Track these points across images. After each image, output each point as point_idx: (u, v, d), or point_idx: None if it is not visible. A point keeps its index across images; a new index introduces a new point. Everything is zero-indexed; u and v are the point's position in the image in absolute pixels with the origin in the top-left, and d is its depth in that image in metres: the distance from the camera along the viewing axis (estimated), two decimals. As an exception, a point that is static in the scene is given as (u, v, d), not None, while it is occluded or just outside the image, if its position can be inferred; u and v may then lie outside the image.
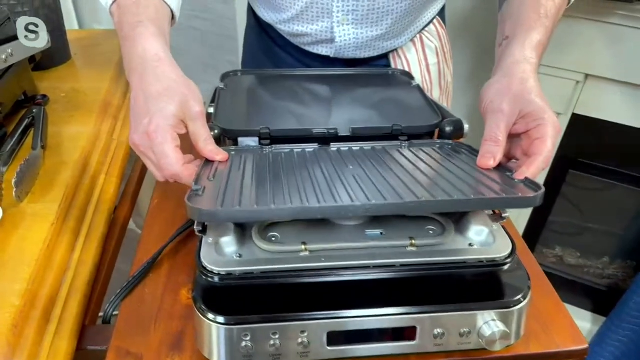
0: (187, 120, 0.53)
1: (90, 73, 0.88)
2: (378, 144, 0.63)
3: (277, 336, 0.43)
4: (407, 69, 0.87)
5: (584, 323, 1.58)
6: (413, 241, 0.49)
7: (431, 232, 0.52)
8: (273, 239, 0.50)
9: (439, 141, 0.65)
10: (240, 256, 0.47)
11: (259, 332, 0.42)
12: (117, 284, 0.64)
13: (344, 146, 0.62)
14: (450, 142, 0.64)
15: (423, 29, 0.86)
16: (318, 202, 0.44)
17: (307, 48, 0.85)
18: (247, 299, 0.44)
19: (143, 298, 0.53)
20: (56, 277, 0.51)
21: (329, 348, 0.44)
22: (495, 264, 0.48)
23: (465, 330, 0.45)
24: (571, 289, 1.58)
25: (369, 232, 0.51)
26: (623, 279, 1.54)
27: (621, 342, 1.41)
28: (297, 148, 0.62)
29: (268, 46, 0.91)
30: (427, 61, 0.87)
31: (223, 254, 0.48)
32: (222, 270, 0.45)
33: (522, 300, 0.45)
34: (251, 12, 0.94)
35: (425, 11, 0.84)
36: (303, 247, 0.48)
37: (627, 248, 1.51)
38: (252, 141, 0.64)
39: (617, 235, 1.51)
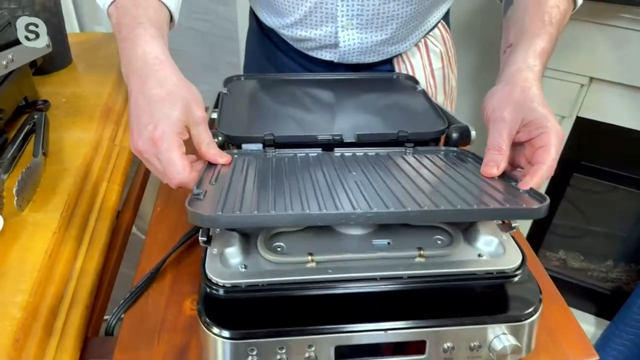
0: (190, 125, 0.53)
1: (91, 77, 0.87)
2: (382, 150, 0.62)
3: (283, 351, 0.42)
4: (411, 74, 0.86)
5: (588, 327, 1.57)
6: (421, 252, 0.48)
7: (439, 242, 0.51)
8: (278, 249, 0.49)
9: (443, 148, 0.64)
10: (246, 267, 0.47)
11: (265, 347, 0.42)
12: (120, 287, 0.64)
13: (347, 151, 0.62)
14: (455, 149, 0.63)
15: (427, 33, 0.85)
16: (319, 208, 0.43)
17: (310, 53, 0.85)
18: (252, 312, 0.43)
19: (146, 309, 0.52)
20: (58, 288, 0.50)
21: (336, 362, 0.43)
22: (506, 276, 0.47)
23: (475, 344, 0.44)
24: (575, 292, 1.58)
25: (376, 242, 0.50)
26: (627, 283, 1.53)
27: (625, 346, 1.40)
28: (301, 152, 0.61)
29: (270, 51, 0.90)
30: (431, 66, 0.87)
31: (228, 265, 0.47)
32: (227, 282, 0.45)
33: (533, 313, 0.44)
34: (253, 16, 0.93)
35: (430, 15, 0.83)
36: (309, 258, 0.47)
37: (631, 251, 1.50)
38: (256, 147, 0.63)
39: (620, 239, 1.50)
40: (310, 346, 0.42)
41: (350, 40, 0.79)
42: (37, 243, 0.51)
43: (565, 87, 1.25)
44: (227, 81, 0.79)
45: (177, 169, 0.49)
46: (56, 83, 0.84)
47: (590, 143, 1.32)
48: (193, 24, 1.85)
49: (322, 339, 0.42)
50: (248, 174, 0.53)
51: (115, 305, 0.52)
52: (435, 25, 0.86)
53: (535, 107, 0.52)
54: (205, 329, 0.42)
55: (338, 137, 0.63)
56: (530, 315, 0.44)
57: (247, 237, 0.50)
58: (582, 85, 1.23)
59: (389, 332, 0.42)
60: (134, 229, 0.76)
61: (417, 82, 0.80)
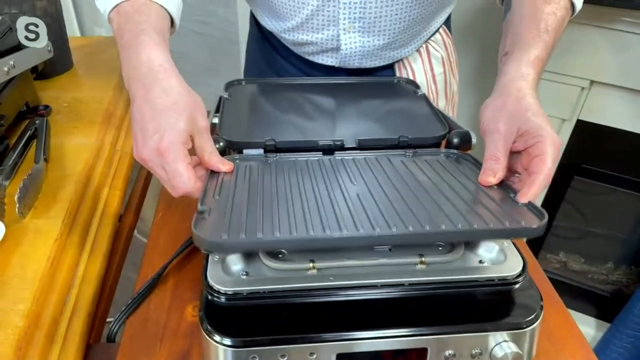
0: (194, 134, 0.53)
1: (92, 82, 0.87)
2: (382, 154, 0.62)
3: (285, 358, 0.42)
4: (412, 79, 0.86)
5: (588, 329, 1.57)
6: (423, 258, 0.48)
7: (440, 248, 0.51)
8: (280, 255, 0.49)
9: (443, 150, 0.64)
10: (247, 274, 0.47)
11: (267, 355, 0.42)
12: (121, 290, 0.64)
13: (348, 156, 0.62)
14: (455, 151, 0.63)
15: (429, 38, 0.85)
16: (323, 229, 0.44)
17: (311, 58, 0.85)
18: (254, 320, 0.43)
19: (148, 315, 0.52)
20: (60, 295, 0.50)
21: (338, 370, 0.43)
22: (507, 283, 0.47)
23: (476, 351, 0.44)
24: (575, 294, 1.58)
25: (378, 248, 0.50)
26: (627, 285, 1.53)
27: (625, 349, 1.40)
28: (302, 157, 0.61)
29: (271, 56, 0.90)
30: (433, 71, 0.87)
31: (230, 272, 0.47)
32: (229, 289, 0.45)
33: (535, 320, 0.44)
34: (254, 20, 0.93)
35: (432, 20, 0.83)
36: (311, 265, 0.47)
37: (632, 254, 1.50)
38: (258, 152, 0.63)
39: (621, 241, 1.50)
40: (312, 354, 0.42)
41: (352, 44, 0.79)
42: (38, 250, 0.51)
43: (566, 90, 1.25)
44: (228, 85, 0.79)
45: (183, 179, 0.50)
46: (57, 88, 0.84)
47: (591, 146, 1.32)
48: (194, 26, 1.86)
49: (324, 346, 0.42)
50: (251, 185, 0.53)
51: (117, 309, 0.52)
52: (437, 30, 0.86)
53: (529, 117, 0.52)
54: (207, 337, 0.42)
55: (339, 142, 0.64)
56: (532, 322, 0.44)
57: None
58: (583, 88, 1.24)
59: (391, 339, 0.43)
60: (135, 232, 0.76)
61: (417, 87, 0.80)
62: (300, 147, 0.63)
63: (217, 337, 0.41)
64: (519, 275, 0.47)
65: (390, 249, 0.50)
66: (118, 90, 0.85)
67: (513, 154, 0.55)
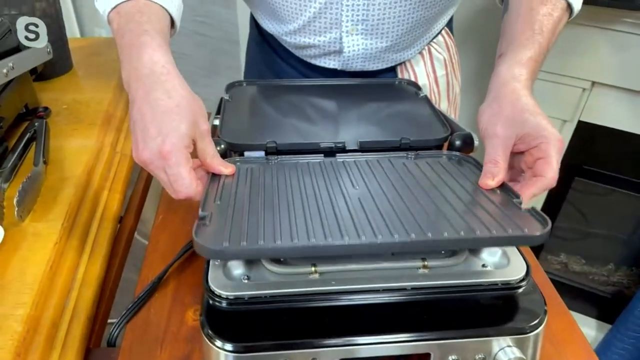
0: (196, 138, 0.52)
1: (92, 83, 0.87)
2: (384, 155, 0.62)
3: (287, 364, 0.41)
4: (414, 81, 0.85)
5: (589, 330, 1.57)
6: (425, 263, 0.47)
7: (443, 252, 0.50)
8: (282, 259, 0.49)
9: (445, 153, 0.64)
10: (249, 278, 0.46)
11: (268, 360, 0.41)
12: (121, 292, 0.63)
13: (350, 158, 0.62)
14: (457, 154, 0.63)
15: (432, 40, 0.85)
16: (324, 236, 0.43)
17: (312, 61, 0.84)
18: (255, 324, 0.43)
19: (148, 319, 0.52)
20: (59, 300, 0.49)
21: (340, 375, 0.43)
22: (510, 287, 0.46)
23: (480, 356, 0.43)
24: (576, 296, 1.58)
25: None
26: (628, 286, 1.53)
27: (626, 350, 1.40)
28: (303, 159, 0.61)
29: (271, 58, 0.90)
30: (435, 73, 0.86)
31: (231, 276, 0.47)
32: (231, 294, 0.44)
33: (538, 325, 0.44)
34: (254, 23, 0.92)
35: (435, 22, 0.82)
36: (313, 269, 0.46)
37: (633, 255, 1.50)
38: (259, 155, 0.63)
39: (622, 242, 1.50)
40: (314, 359, 0.42)
41: (355, 46, 0.79)
42: (37, 254, 0.51)
43: (567, 91, 1.25)
44: (229, 87, 0.79)
45: (185, 183, 0.49)
46: (57, 89, 0.84)
47: (592, 147, 1.32)
48: (194, 27, 1.85)
49: (326, 351, 0.42)
50: (252, 189, 0.53)
51: (117, 311, 0.52)
52: (439, 32, 0.86)
53: (527, 118, 0.52)
54: (207, 342, 0.42)
55: (341, 145, 0.63)
56: (536, 327, 0.44)
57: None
58: (584, 89, 1.23)
59: (393, 344, 0.42)
60: (135, 234, 0.76)
61: (419, 88, 0.80)
62: (301, 149, 0.63)
63: (218, 342, 0.41)
64: (522, 280, 0.47)
65: (392, 253, 0.49)
66: (118, 92, 0.84)
67: (516, 154, 0.55)
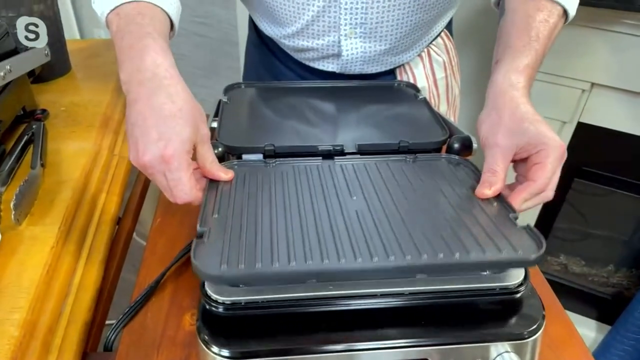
0: (197, 143, 0.52)
1: (90, 85, 0.87)
2: (383, 159, 0.62)
3: (284, 370, 0.41)
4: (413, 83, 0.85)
5: (589, 331, 1.57)
6: (423, 267, 0.47)
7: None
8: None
9: (444, 156, 0.64)
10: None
11: (265, 366, 0.41)
12: (119, 293, 0.63)
13: (348, 162, 0.62)
14: (455, 157, 0.63)
15: (431, 42, 0.85)
16: (321, 258, 0.43)
17: (311, 64, 0.84)
18: (252, 330, 0.43)
19: (145, 323, 0.51)
20: (56, 304, 0.49)
21: (337, 381, 0.42)
22: (509, 292, 0.46)
23: (478, 362, 0.43)
24: (576, 297, 1.57)
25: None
26: (628, 288, 1.53)
27: (626, 352, 1.40)
28: (301, 164, 0.61)
29: (269, 61, 0.89)
30: (434, 76, 0.86)
31: (228, 281, 0.46)
32: (227, 299, 0.44)
33: (537, 330, 0.44)
34: (252, 25, 0.92)
35: (434, 25, 0.82)
36: (310, 273, 0.46)
37: (632, 256, 1.50)
38: (257, 157, 0.63)
39: (621, 244, 1.50)
40: (310, 365, 0.42)
41: (354, 49, 0.78)
42: (34, 258, 0.51)
43: (566, 93, 1.25)
44: (228, 89, 0.79)
45: (185, 189, 0.49)
46: (55, 91, 0.83)
47: (592, 148, 1.32)
48: (194, 27, 1.85)
49: (324, 357, 0.42)
50: (249, 200, 0.53)
51: (115, 312, 0.52)
52: (439, 35, 0.85)
53: (527, 127, 0.52)
54: (204, 347, 0.42)
55: (339, 148, 0.63)
56: (534, 332, 0.44)
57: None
58: (584, 90, 1.23)
59: (391, 350, 0.42)
60: (134, 235, 0.75)
61: (418, 90, 0.80)
62: (299, 152, 0.63)
63: (214, 348, 0.41)
64: (520, 284, 0.47)
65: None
66: (116, 94, 0.84)
67: (519, 162, 0.55)
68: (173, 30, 0.63)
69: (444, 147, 0.66)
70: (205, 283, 0.45)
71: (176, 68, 0.54)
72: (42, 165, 0.63)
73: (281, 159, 0.62)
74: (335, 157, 0.63)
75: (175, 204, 0.52)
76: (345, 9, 0.73)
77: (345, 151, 0.63)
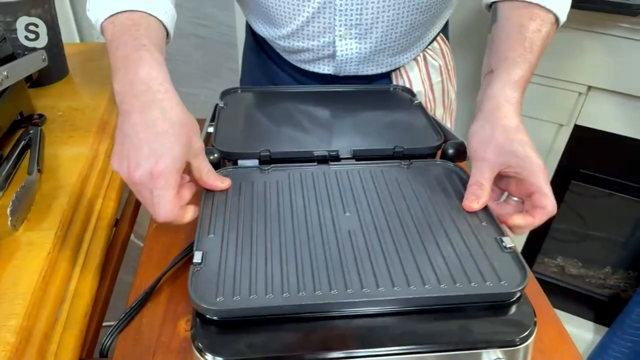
0: (190, 158, 0.53)
1: (88, 89, 0.87)
2: (378, 165, 0.63)
3: (279, 379, 0.42)
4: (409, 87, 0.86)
5: (586, 333, 1.57)
6: (415, 274, 0.48)
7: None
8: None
9: (438, 162, 0.64)
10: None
11: (260, 376, 0.41)
12: (116, 293, 0.64)
13: (342, 168, 0.62)
14: (449, 165, 0.64)
15: (427, 46, 0.85)
16: (314, 289, 0.45)
17: (306, 67, 0.84)
18: (247, 338, 0.43)
19: (140, 329, 0.52)
20: (52, 310, 0.50)
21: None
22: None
23: (469, 368, 0.44)
24: (573, 299, 1.58)
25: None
26: (625, 290, 1.53)
27: (623, 353, 1.40)
28: (296, 171, 0.62)
29: (266, 65, 0.90)
30: (430, 80, 0.86)
31: (222, 288, 0.47)
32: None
33: (528, 336, 0.44)
34: (249, 29, 0.92)
35: (430, 27, 0.82)
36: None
37: (629, 258, 1.50)
38: (252, 163, 0.63)
39: (619, 246, 1.50)
40: (305, 373, 0.42)
41: (348, 50, 0.78)
42: (31, 264, 0.51)
43: (563, 96, 1.25)
44: (224, 94, 0.79)
45: (167, 208, 0.49)
46: (52, 96, 0.84)
47: (589, 151, 1.32)
48: (192, 29, 1.85)
49: (317, 365, 0.42)
50: (245, 215, 0.54)
51: (112, 314, 0.52)
52: (434, 39, 0.86)
53: (516, 149, 0.54)
54: (198, 355, 0.42)
55: (334, 153, 0.64)
56: (526, 339, 0.44)
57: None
58: (580, 93, 1.24)
59: (383, 357, 0.42)
60: (132, 237, 0.76)
61: (414, 95, 0.80)
62: (295, 158, 0.63)
63: (208, 357, 0.41)
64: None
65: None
66: (113, 99, 0.84)
67: (502, 177, 0.57)
68: (168, 38, 0.63)
69: (439, 152, 0.66)
70: (200, 290, 0.46)
71: (171, 82, 0.54)
72: (39, 170, 0.63)
73: (276, 165, 0.62)
74: (331, 163, 0.63)
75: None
76: (340, 10, 0.73)
77: (341, 157, 0.64)
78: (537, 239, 1.51)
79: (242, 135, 0.69)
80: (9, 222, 0.53)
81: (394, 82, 0.86)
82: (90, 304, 0.55)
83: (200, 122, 0.65)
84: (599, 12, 1.08)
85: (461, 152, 0.64)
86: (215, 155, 0.62)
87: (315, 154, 0.64)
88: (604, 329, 1.50)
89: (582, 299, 1.58)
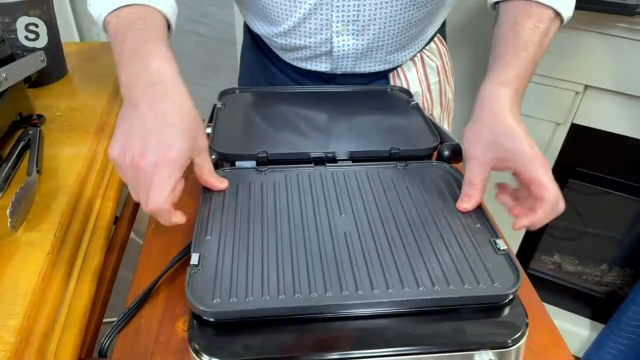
0: (194, 154, 0.53)
1: (86, 89, 0.87)
2: (374, 167, 0.63)
3: (276, 381, 0.42)
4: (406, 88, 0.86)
5: (582, 330, 1.58)
6: (410, 276, 0.48)
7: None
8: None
9: (434, 164, 0.65)
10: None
11: (257, 377, 0.42)
12: (115, 291, 0.64)
13: (339, 169, 0.63)
14: (445, 165, 0.64)
15: (424, 47, 0.85)
16: (309, 291, 0.45)
17: (303, 65, 0.84)
18: (244, 340, 0.44)
19: (139, 330, 0.52)
20: (51, 311, 0.50)
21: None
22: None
23: (462, 370, 0.44)
24: (569, 296, 1.59)
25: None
26: (621, 287, 1.54)
27: (619, 350, 1.41)
28: (292, 172, 0.62)
29: (264, 64, 0.90)
30: (427, 80, 0.87)
31: (219, 290, 0.47)
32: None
33: (520, 338, 0.45)
34: (247, 30, 0.92)
35: (428, 24, 0.82)
36: (300, 282, 0.47)
37: (625, 256, 1.51)
38: (250, 165, 0.64)
39: (615, 243, 1.51)
40: (301, 374, 0.43)
41: (345, 46, 0.78)
42: (30, 264, 0.52)
43: (560, 94, 1.25)
44: (222, 94, 0.80)
45: (162, 197, 0.48)
46: (51, 96, 0.84)
47: (585, 149, 1.33)
48: (192, 27, 1.86)
49: (312, 367, 0.43)
50: (241, 216, 0.55)
51: (111, 312, 0.52)
52: (432, 39, 0.86)
53: (503, 142, 0.54)
54: (195, 356, 0.43)
55: (331, 155, 0.64)
56: (517, 340, 0.45)
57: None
58: (577, 92, 1.24)
59: (378, 358, 0.43)
60: (132, 234, 0.76)
61: (411, 96, 0.80)
62: (292, 160, 0.64)
63: (205, 358, 0.42)
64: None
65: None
66: (112, 98, 0.85)
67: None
68: (170, 32, 0.64)
69: (435, 154, 0.67)
70: (197, 292, 0.46)
71: (180, 77, 0.54)
72: (38, 171, 0.64)
73: (273, 166, 0.63)
74: (327, 164, 0.64)
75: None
76: (337, 6, 0.73)
77: (337, 158, 0.64)
78: (534, 236, 1.52)
79: (239, 136, 0.70)
80: (8, 224, 0.54)
81: (392, 83, 0.86)
82: (89, 304, 0.55)
83: (200, 121, 0.66)
84: (596, 11, 1.09)
85: (457, 154, 0.65)
86: (213, 156, 0.62)
87: (312, 155, 0.64)
88: (600, 326, 1.51)
89: (578, 296, 1.59)
